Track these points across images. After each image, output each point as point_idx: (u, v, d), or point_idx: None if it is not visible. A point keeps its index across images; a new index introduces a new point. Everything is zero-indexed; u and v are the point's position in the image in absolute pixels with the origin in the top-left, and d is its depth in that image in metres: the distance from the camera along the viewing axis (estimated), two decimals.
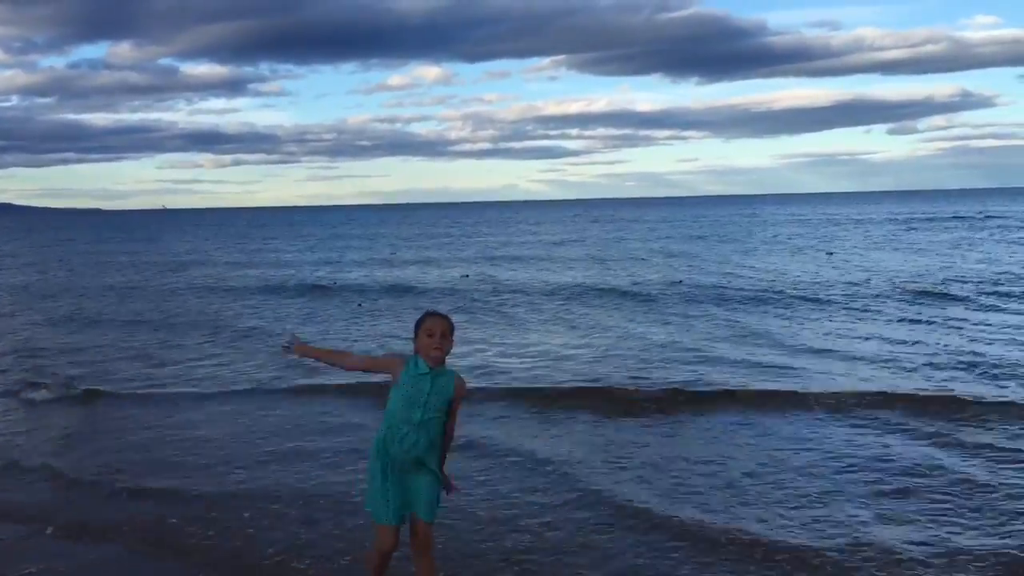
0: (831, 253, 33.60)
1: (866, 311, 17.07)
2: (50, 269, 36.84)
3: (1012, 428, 8.49)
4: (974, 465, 7.37)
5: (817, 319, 16.29)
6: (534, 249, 42.19)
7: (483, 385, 10.74)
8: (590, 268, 29.97)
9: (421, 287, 24.44)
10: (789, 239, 44.87)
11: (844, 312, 17.06)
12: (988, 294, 19.03)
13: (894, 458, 7.60)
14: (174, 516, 6.59)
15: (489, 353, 13.40)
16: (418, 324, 4.60)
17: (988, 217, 63.40)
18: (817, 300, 18.83)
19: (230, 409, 10.15)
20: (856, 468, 7.36)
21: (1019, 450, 7.77)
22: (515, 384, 10.93)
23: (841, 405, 9.39)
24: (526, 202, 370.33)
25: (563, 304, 19.74)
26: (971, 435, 8.25)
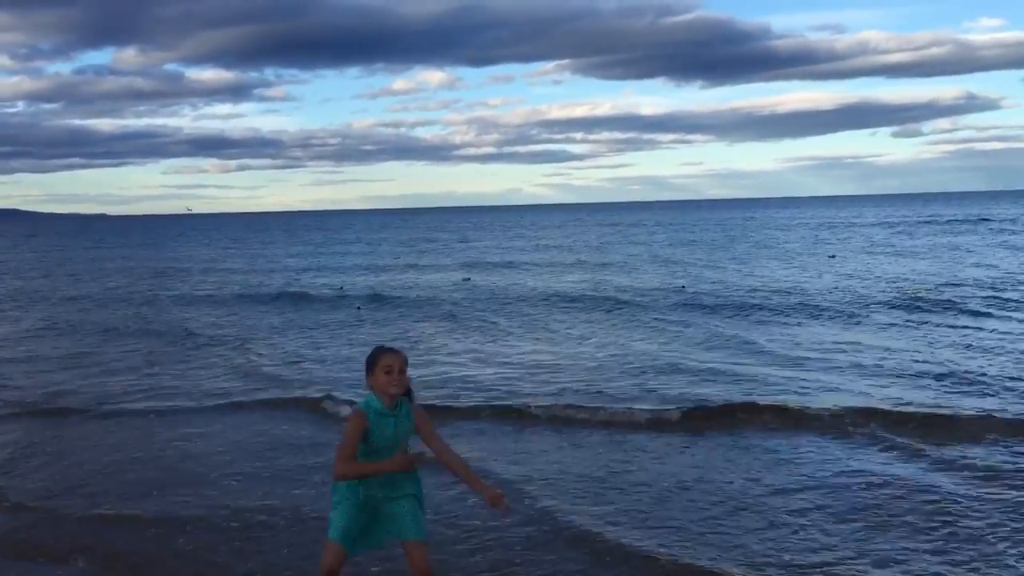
0: (833, 256, 34.35)
1: (859, 319, 16.91)
2: (36, 277, 36.64)
3: (1006, 446, 8.32)
4: (965, 486, 7.20)
5: (806, 327, 16.15)
6: (533, 254, 42.07)
7: (462, 400, 10.61)
8: (587, 273, 29.85)
9: (421, 293, 24.33)
10: (787, 243, 44.86)
11: (838, 320, 16.91)
12: (982, 298, 18.88)
13: (884, 481, 7.37)
14: (143, 536, 6.46)
15: (473, 365, 13.28)
16: (372, 361, 4.60)
17: (982, 220, 63.22)
18: (813, 307, 18.60)
19: (202, 424, 10.00)
20: (841, 492, 7.14)
21: (1011, 470, 7.62)
22: (497, 399, 10.66)
23: (831, 422, 9.19)
24: (531, 206, 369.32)
25: (556, 312, 19.57)
26: (964, 454, 8.04)
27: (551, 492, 7.23)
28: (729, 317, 17.68)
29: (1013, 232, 47.28)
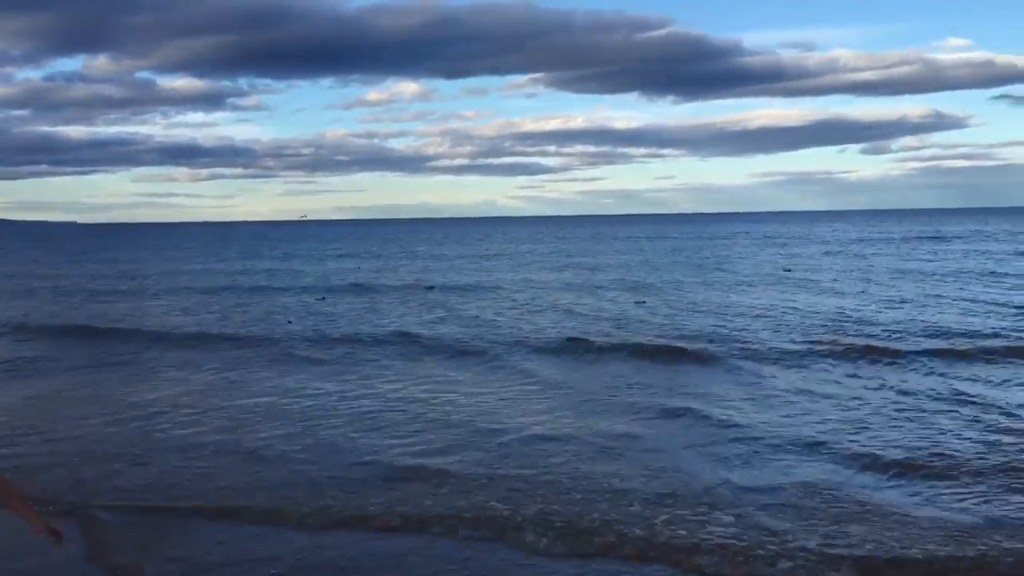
0: (788, 270, 35.85)
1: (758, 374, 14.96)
2: None
3: None
4: None
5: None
6: (478, 275, 39.80)
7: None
8: (523, 292, 27.92)
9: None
10: (742, 259, 44.62)
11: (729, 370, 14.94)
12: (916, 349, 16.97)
13: None
14: None
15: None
16: None
17: (955, 237, 62.05)
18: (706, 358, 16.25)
19: None
20: None
21: None
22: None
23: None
24: (505, 218, 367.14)
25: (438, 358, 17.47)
26: None
27: None
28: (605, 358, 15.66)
29: (973, 252, 45.80)
